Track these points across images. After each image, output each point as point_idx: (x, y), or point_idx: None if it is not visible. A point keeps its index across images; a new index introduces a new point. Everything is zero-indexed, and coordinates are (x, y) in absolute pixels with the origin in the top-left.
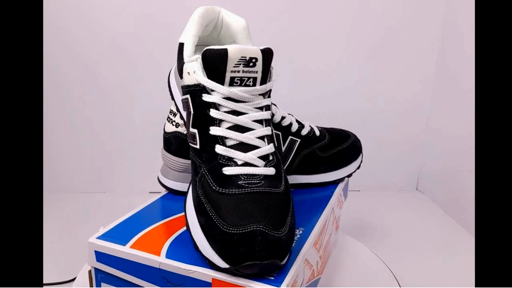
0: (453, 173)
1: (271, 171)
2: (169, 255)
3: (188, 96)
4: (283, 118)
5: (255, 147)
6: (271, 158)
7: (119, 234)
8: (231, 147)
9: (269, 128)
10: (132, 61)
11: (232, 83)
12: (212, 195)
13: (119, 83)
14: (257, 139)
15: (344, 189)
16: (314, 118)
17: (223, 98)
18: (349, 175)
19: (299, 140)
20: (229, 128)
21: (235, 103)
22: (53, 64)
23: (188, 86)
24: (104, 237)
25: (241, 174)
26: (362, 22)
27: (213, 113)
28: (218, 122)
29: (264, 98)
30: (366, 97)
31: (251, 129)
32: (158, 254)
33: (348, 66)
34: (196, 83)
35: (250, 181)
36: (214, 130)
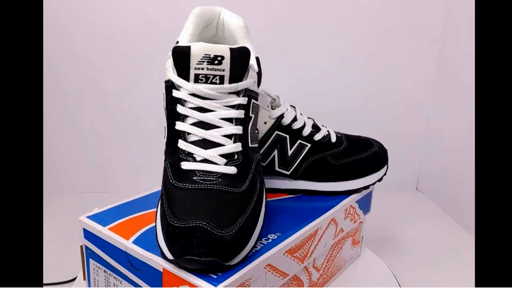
0: (453, 173)
1: (231, 170)
2: (136, 241)
3: (164, 91)
4: (293, 121)
5: (218, 145)
6: (235, 157)
7: (106, 216)
8: (193, 142)
9: (240, 127)
10: (132, 61)
11: (197, 80)
12: (168, 188)
13: (119, 83)
14: (223, 137)
15: (360, 202)
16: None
17: (189, 94)
18: (365, 187)
19: (309, 145)
20: (193, 124)
21: (202, 100)
22: (53, 64)
23: (165, 82)
24: (92, 217)
25: (197, 170)
26: (361, 22)
27: (179, 108)
28: (183, 118)
29: (238, 96)
30: (366, 97)
31: (218, 127)
32: (128, 238)
33: (348, 66)
34: (168, 79)
35: (205, 178)
36: (178, 125)
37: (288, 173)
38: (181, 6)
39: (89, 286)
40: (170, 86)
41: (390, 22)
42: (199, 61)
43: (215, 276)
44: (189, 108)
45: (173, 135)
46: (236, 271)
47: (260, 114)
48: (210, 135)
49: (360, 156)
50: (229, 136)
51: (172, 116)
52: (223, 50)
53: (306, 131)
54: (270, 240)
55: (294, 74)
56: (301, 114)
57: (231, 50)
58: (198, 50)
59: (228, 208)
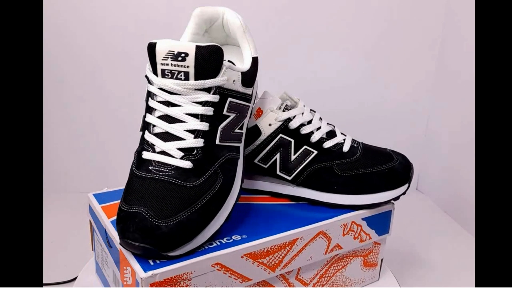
0: (453, 173)
1: (186, 164)
2: (114, 221)
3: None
4: (302, 125)
5: (179, 139)
6: (194, 152)
7: (108, 196)
8: (156, 134)
9: (206, 124)
10: (133, 61)
11: (163, 75)
12: (130, 175)
13: (120, 83)
14: (185, 131)
15: (370, 220)
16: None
17: (158, 88)
18: (375, 205)
19: (315, 152)
20: (159, 117)
21: (169, 95)
22: (53, 64)
23: None
24: (97, 195)
25: (153, 161)
26: (361, 21)
27: (150, 101)
28: (151, 111)
29: (209, 93)
30: (365, 97)
31: (182, 121)
32: (109, 217)
33: (348, 66)
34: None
35: (159, 169)
36: (147, 117)
37: (289, 178)
38: (183, 6)
39: (95, 256)
40: (147, 81)
41: (390, 22)
42: (163, 57)
43: (152, 263)
44: (157, 101)
45: (144, 126)
46: (175, 262)
47: (267, 116)
48: (172, 128)
49: (371, 170)
50: (192, 132)
51: (146, 108)
52: (188, 47)
53: (315, 137)
54: (231, 240)
55: (293, 73)
56: (320, 119)
57: (197, 47)
58: (163, 46)
59: (171, 200)
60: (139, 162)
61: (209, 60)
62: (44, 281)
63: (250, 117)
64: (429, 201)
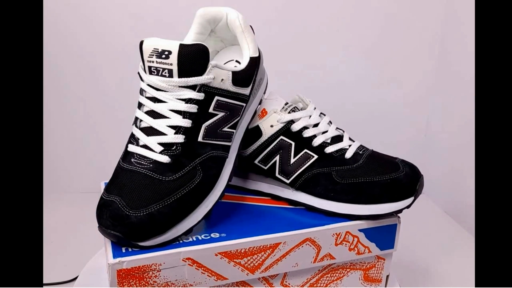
0: (453, 173)
1: (164, 158)
2: None
3: None
4: (305, 128)
5: (160, 134)
6: (174, 147)
7: None
8: (141, 129)
9: (188, 121)
10: (133, 61)
11: (150, 72)
12: (116, 166)
13: (120, 83)
14: (168, 127)
15: (369, 232)
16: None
17: (147, 85)
18: (375, 217)
19: (315, 156)
20: (146, 112)
21: (156, 91)
22: (53, 64)
23: None
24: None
25: (135, 153)
26: (361, 21)
27: (140, 97)
28: (140, 106)
29: (194, 91)
30: (365, 97)
31: (166, 117)
32: None
33: (347, 65)
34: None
35: (139, 162)
36: (137, 112)
37: (287, 181)
38: (187, 6)
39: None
40: (140, 77)
41: (390, 22)
42: (149, 55)
43: (124, 251)
44: (145, 97)
45: (134, 121)
46: (146, 252)
47: (270, 117)
48: (156, 124)
49: (372, 179)
50: (174, 127)
51: (138, 104)
52: (171, 45)
53: (317, 141)
54: (208, 237)
55: (292, 73)
56: (329, 123)
57: (181, 45)
58: (149, 44)
59: (145, 192)
60: (125, 154)
61: (192, 58)
62: (44, 281)
63: (254, 117)
64: (429, 201)
